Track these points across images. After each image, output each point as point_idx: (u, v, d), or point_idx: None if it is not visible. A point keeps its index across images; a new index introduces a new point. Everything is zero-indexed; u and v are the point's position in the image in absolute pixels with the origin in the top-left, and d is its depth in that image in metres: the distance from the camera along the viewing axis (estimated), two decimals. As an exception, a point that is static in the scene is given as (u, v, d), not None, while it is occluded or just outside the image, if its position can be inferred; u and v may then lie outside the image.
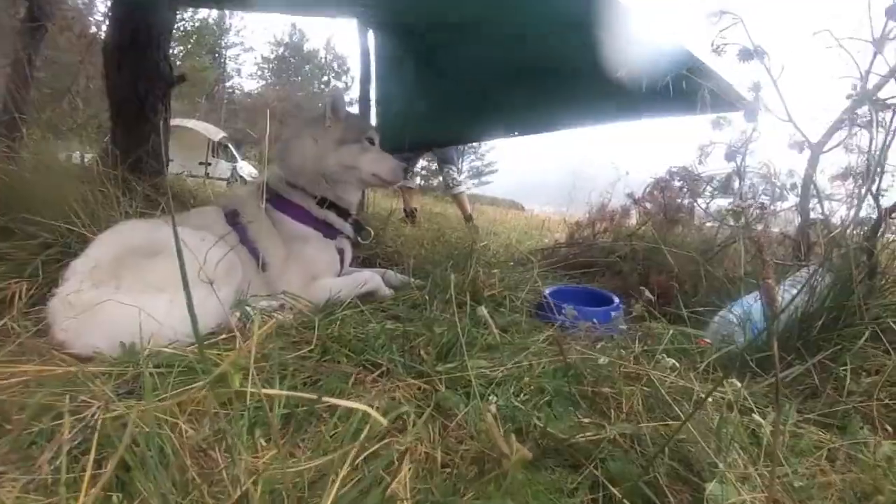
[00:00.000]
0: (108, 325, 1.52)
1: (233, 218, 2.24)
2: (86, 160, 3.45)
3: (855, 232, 2.37)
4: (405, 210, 6.57)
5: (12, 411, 1.09)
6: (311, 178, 2.43)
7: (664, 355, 1.51)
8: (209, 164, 18.96)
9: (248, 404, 1.15)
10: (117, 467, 0.95)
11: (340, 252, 2.51)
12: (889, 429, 1.55)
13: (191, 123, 20.30)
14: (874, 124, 2.53)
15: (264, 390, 1.00)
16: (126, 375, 1.35)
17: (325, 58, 51.69)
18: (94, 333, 1.52)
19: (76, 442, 1.03)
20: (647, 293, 1.91)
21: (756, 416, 1.26)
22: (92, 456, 0.95)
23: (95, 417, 1.09)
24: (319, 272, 2.34)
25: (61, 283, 1.66)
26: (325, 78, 51.57)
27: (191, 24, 40.44)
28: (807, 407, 1.61)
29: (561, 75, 3.47)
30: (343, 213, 2.52)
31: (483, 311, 1.48)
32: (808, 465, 1.30)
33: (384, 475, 1.01)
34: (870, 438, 1.44)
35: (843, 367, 1.73)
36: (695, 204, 3.74)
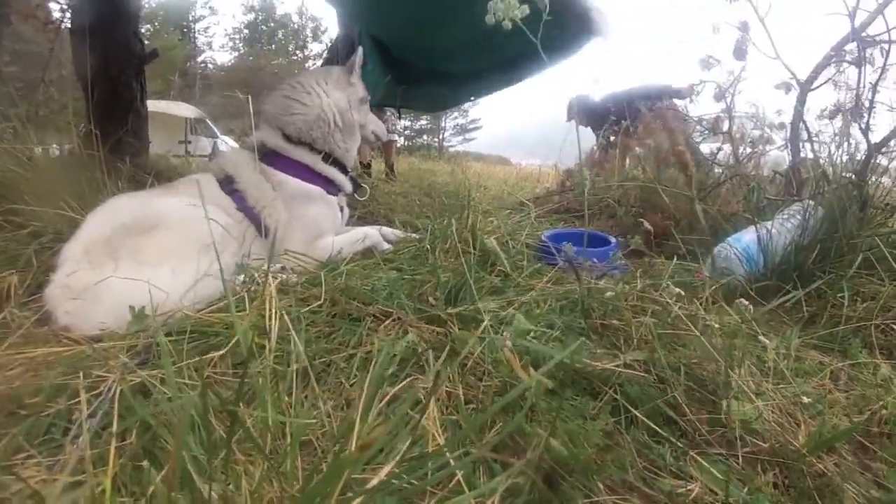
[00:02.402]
0: (113, 300, 1.49)
1: (227, 184, 2.17)
2: (65, 148, 3.40)
3: (845, 166, 2.42)
4: (388, 164, 6.97)
5: (26, 395, 1.08)
6: (326, 133, 2.38)
7: (670, 284, 1.53)
8: (189, 143, 18.65)
9: (266, 361, 1.16)
10: (141, 436, 0.96)
11: (340, 209, 2.49)
12: (886, 351, 1.61)
13: (164, 106, 19.82)
14: (862, 61, 2.54)
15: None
16: (138, 346, 1.34)
17: (299, 22, 50.23)
18: (100, 311, 1.48)
19: (96, 417, 1.02)
20: (647, 224, 1.94)
21: (762, 338, 1.30)
22: (115, 428, 0.95)
23: (112, 391, 1.08)
24: (323, 232, 2.31)
25: (56, 269, 1.61)
26: (302, 44, 50.21)
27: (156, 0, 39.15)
28: (807, 332, 1.65)
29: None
30: (343, 169, 2.49)
31: (492, 241, 1.49)
32: (814, 384, 1.35)
33: (412, 414, 1.04)
34: (869, 360, 1.50)
35: (840, 295, 1.78)
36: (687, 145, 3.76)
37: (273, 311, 1.20)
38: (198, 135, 20.51)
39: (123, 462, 0.90)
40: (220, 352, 1.28)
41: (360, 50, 2.51)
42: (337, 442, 0.96)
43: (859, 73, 2.57)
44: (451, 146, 46.69)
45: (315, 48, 48.06)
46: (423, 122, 47.05)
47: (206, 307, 1.57)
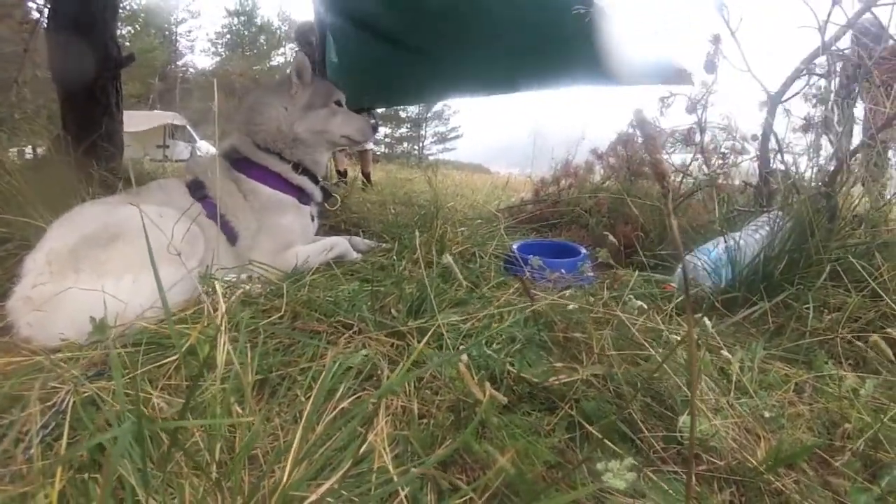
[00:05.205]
0: (74, 311, 1.47)
1: (197, 190, 2.15)
2: (38, 151, 3.34)
3: (814, 177, 2.43)
4: (363, 173, 6.97)
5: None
6: (287, 144, 2.37)
7: (632, 297, 1.52)
8: (167, 147, 18.55)
9: (220, 373, 1.13)
10: (91, 448, 0.93)
11: (311, 218, 2.48)
12: (852, 362, 1.60)
13: (156, 119, 19.66)
14: (832, 74, 2.57)
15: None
16: (94, 358, 1.33)
17: (280, 27, 50.02)
18: (60, 322, 1.47)
19: (48, 429, 1.01)
20: (611, 237, 1.94)
21: (725, 353, 1.29)
22: (65, 440, 0.93)
23: (65, 402, 1.07)
24: (293, 241, 2.29)
25: (18, 281, 1.60)
26: (282, 49, 50.01)
27: (137, 2, 38.79)
28: (772, 344, 1.65)
29: (522, 39, 3.47)
30: (313, 178, 2.47)
31: (448, 258, 1.48)
32: (777, 397, 1.34)
33: (360, 430, 1.01)
34: (834, 372, 1.49)
35: (805, 306, 1.77)
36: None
37: (223, 324, 1.17)
38: (176, 139, 20.39)
39: (71, 475, 0.87)
40: (174, 364, 1.26)
41: (299, 56, 2.47)
42: (278, 457, 0.93)
43: (829, 85, 2.60)
44: (432, 154, 46.76)
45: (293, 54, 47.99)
46: (404, 129, 47.15)
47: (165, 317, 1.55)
